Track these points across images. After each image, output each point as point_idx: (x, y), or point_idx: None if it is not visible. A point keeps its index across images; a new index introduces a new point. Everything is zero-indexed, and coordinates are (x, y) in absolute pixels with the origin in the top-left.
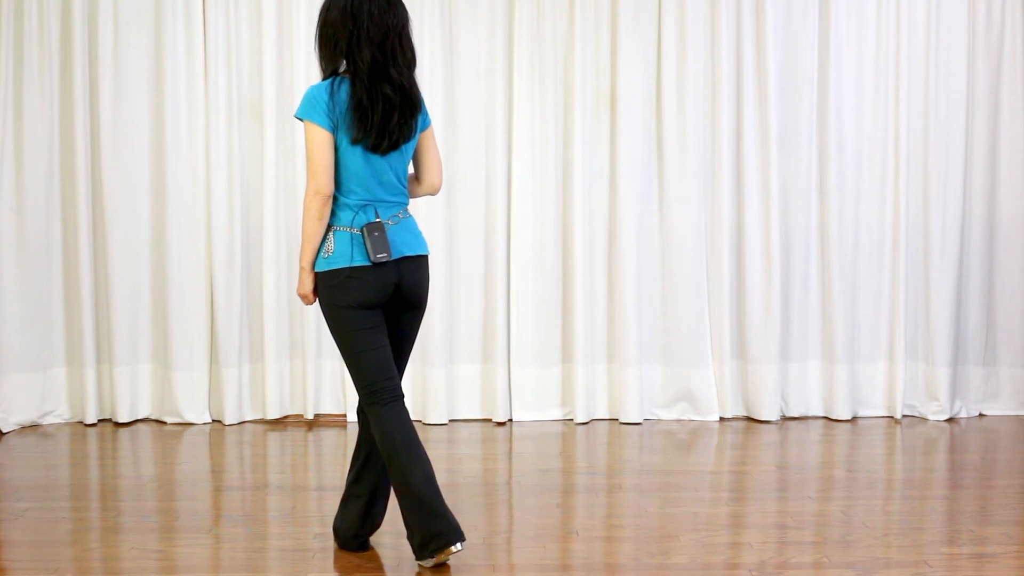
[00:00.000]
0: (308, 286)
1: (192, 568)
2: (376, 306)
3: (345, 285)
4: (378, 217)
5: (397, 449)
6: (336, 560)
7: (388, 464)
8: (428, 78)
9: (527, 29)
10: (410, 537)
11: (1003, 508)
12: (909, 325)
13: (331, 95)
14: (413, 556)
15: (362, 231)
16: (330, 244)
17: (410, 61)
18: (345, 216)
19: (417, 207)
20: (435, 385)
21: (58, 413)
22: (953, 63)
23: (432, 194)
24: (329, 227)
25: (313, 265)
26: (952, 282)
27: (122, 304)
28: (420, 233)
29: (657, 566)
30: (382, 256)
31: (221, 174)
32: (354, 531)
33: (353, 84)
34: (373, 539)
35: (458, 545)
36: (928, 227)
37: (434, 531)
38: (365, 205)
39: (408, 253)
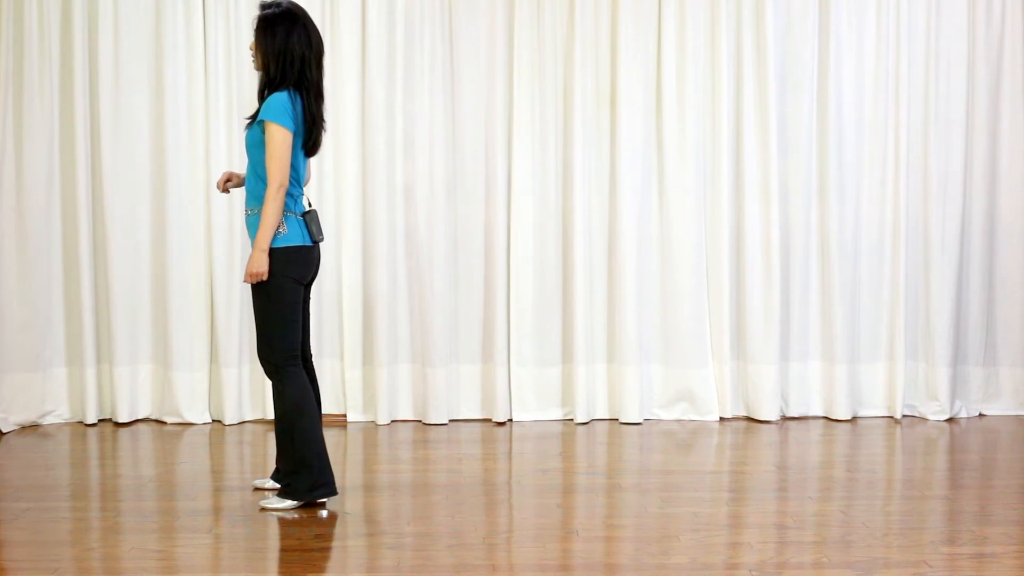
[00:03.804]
0: (267, 265)
1: (192, 568)
2: (307, 282)
3: (297, 260)
4: (310, 206)
5: (309, 403)
6: (336, 560)
7: (299, 414)
8: (428, 78)
9: (527, 29)
10: (293, 475)
11: (1003, 508)
12: (909, 325)
13: (293, 105)
14: (284, 497)
15: (304, 217)
16: (283, 226)
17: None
18: (290, 204)
19: (418, 206)
20: (435, 385)
21: (58, 413)
22: (953, 63)
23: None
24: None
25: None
26: (952, 282)
27: (122, 304)
28: None
29: (657, 566)
30: (322, 238)
31: (221, 174)
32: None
33: (304, 98)
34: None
35: (325, 511)
36: (928, 227)
37: (324, 479)
38: (300, 196)
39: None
